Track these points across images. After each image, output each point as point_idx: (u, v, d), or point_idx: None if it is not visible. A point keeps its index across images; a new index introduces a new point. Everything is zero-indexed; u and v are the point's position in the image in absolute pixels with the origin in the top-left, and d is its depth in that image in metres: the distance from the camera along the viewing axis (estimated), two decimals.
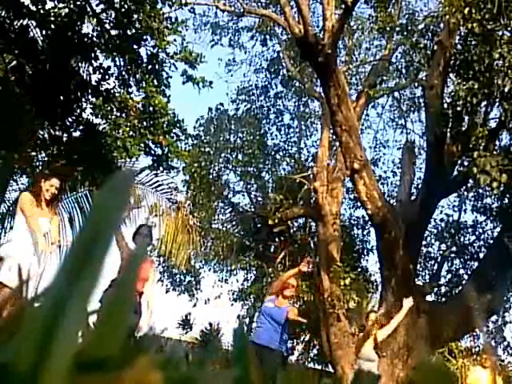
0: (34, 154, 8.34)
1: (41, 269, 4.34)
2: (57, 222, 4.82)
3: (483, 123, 7.39)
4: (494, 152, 6.95)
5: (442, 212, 12.75)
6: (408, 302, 6.08)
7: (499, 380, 5.77)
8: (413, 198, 9.71)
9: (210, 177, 13.32)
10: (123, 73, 7.91)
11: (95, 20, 7.45)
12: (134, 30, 7.43)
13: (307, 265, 5.68)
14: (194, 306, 14.46)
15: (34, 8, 6.86)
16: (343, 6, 7.45)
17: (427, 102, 8.08)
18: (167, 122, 8.52)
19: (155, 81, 7.99)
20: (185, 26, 8.39)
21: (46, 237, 4.56)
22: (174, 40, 8.01)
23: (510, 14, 6.46)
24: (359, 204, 10.62)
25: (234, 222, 14.04)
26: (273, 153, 14.34)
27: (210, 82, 8.59)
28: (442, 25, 8.07)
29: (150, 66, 7.82)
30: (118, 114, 8.41)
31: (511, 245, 7.25)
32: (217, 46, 14.46)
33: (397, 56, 12.03)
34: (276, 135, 14.64)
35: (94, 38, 7.44)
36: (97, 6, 7.37)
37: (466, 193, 11.98)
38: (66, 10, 7.24)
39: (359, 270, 12.20)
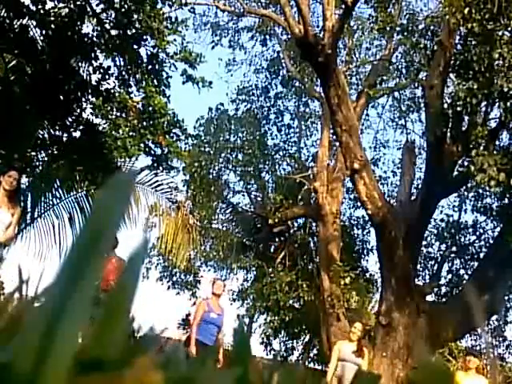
0: (33, 153, 8.33)
1: None
2: (17, 217, 4.92)
3: (483, 123, 7.39)
4: (495, 152, 6.95)
5: (442, 212, 12.76)
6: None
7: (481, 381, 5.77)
8: (413, 198, 9.70)
9: (210, 177, 13.32)
10: (123, 73, 7.91)
11: (95, 20, 7.45)
12: (134, 30, 7.44)
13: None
14: (194, 304, 14.46)
15: (34, 8, 6.86)
16: (343, 6, 7.45)
17: (427, 102, 8.08)
18: (167, 122, 8.53)
19: (155, 81, 7.99)
20: (185, 25, 8.39)
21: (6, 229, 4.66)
22: (174, 40, 8.01)
23: (510, 14, 6.46)
24: (359, 204, 10.62)
25: (234, 222, 14.04)
26: (273, 153, 14.34)
27: (210, 82, 8.60)
28: (442, 25, 8.07)
29: (149, 66, 7.82)
30: (118, 114, 8.42)
31: None
32: (217, 46, 14.47)
33: (397, 56, 12.03)
34: (276, 135, 14.65)
35: (94, 38, 7.44)
36: (97, 5, 7.37)
37: (466, 193, 11.98)
38: (66, 9, 7.24)
39: (359, 270, 12.20)
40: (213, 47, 14.27)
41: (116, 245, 5.73)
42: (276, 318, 12.14)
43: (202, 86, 8.52)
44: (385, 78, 12.34)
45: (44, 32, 7.10)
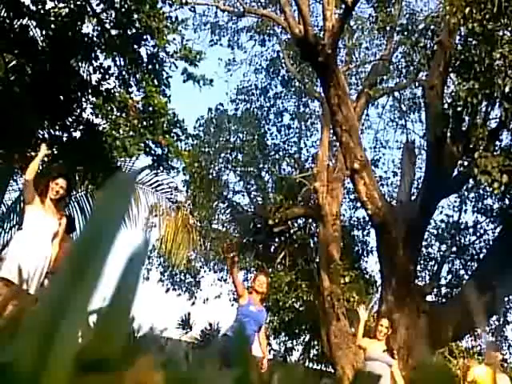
0: (34, 154, 8.32)
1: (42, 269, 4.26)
2: (63, 228, 4.63)
3: (483, 123, 7.39)
4: (495, 152, 6.95)
5: (442, 212, 12.76)
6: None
7: (505, 378, 5.75)
8: (413, 198, 9.70)
9: (210, 177, 13.31)
10: (123, 73, 7.91)
11: (95, 20, 7.45)
12: (134, 30, 7.43)
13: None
14: (193, 304, 14.49)
15: (34, 8, 6.86)
16: (343, 6, 7.46)
17: (427, 102, 8.08)
18: (167, 122, 8.51)
19: (155, 80, 7.98)
20: (185, 25, 8.39)
21: (54, 237, 4.50)
22: (174, 39, 8.00)
23: (511, 13, 6.46)
24: (359, 204, 10.62)
25: (233, 222, 14.04)
26: (273, 153, 14.34)
27: (211, 80, 8.58)
28: (442, 25, 8.07)
29: (150, 66, 7.82)
30: (118, 114, 8.41)
31: None
32: (216, 45, 14.49)
33: (397, 56, 12.02)
34: (276, 135, 14.65)
35: (94, 38, 7.44)
36: (97, 5, 7.37)
37: (466, 193, 11.98)
38: (66, 9, 7.23)
39: (359, 270, 12.20)
40: (212, 45, 14.29)
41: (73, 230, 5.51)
42: (276, 318, 12.14)
43: (202, 85, 8.51)
44: (385, 77, 12.35)
45: (44, 32, 7.10)
